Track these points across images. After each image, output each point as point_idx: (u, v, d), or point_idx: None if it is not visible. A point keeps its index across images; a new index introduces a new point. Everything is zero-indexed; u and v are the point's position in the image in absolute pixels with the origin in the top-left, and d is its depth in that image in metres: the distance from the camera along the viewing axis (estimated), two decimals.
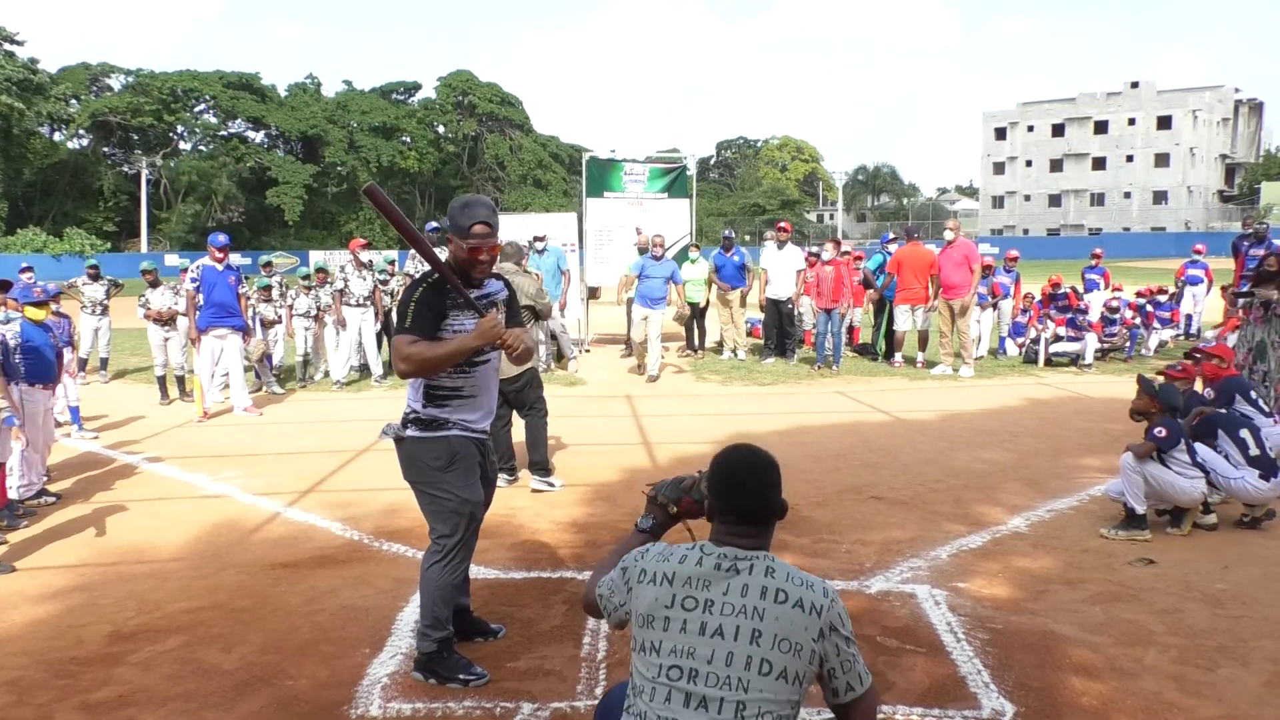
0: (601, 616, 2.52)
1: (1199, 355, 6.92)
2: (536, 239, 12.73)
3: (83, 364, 12.78)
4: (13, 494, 6.35)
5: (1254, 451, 5.64)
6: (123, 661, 4.06)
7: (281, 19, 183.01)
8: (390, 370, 12.09)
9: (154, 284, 11.33)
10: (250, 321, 11.33)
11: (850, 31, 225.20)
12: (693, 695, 2.16)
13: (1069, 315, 12.85)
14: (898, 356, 12.68)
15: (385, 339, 12.46)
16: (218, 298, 9.74)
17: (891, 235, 14.39)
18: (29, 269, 11.79)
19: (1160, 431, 5.45)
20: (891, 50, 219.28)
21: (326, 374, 12.00)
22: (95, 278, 12.67)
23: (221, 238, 10.00)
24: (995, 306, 13.79)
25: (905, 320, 12.65)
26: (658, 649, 2.23)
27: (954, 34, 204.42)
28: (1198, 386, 6.88)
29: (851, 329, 13.95)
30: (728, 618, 2.21)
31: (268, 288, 11.88)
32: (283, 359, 12.08)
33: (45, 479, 7.25)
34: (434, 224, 14.24)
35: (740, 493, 2.38)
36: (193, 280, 9.91)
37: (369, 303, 11.71)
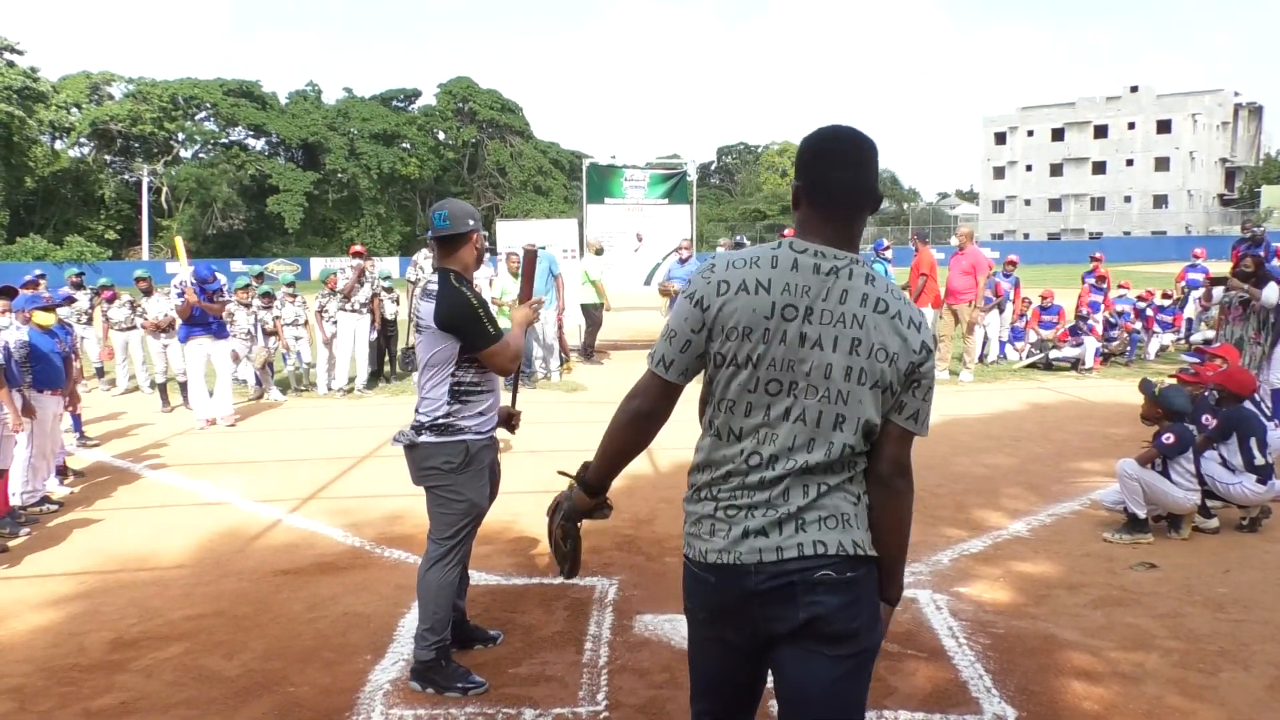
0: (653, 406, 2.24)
1: (1201, 356, 6.90)
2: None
3: (100, 373, 12.85)
4: (15, 500, 6.37)
5: (1259, 461, 5.63)
6: (125, 669, 4.06)
7: (282, 28, 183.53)
8: (375, 380, 12.16)
9: (148, 292, 11.30)
10: (252, 328, 11.36)
11: (849, 37, 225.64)
12: (791, 409, 2.06)
13: (1072, 325, 12.91)
14: None
15: (386, 348, 12.49)
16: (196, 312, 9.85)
17: (886, 243, 14.38)
18: (43, 276, 11.77)
19: (1168, 438, 5.44)
20: (890, 55, 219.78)
21: (333, 384, 11.96)
22: (78, 286, 12.66)
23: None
24: (1000, 309, 13.74)
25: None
26: (754, 362, 2.07)
27: (951, 40, 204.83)
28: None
29: None
30: (827, 327, 2.04)
31: (267, 295, 11.87)
32: (297, 366, 12.04)
33: (65, 481, 7.30)
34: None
35: (837, 162, 2.09)
36: (179, 294, 9.93)
37: (366, 309, 11.71)
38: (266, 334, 11.65)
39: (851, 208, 2.11)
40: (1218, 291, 8.83)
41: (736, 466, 2.09)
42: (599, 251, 14.02)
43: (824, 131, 2.15)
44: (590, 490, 2.44)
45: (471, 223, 3.79)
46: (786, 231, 13.74)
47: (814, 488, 2.06)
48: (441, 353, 3.69)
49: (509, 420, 4.10)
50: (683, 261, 12.73)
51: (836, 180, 2.10)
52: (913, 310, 2.12)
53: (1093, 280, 13.97)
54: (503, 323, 11.75)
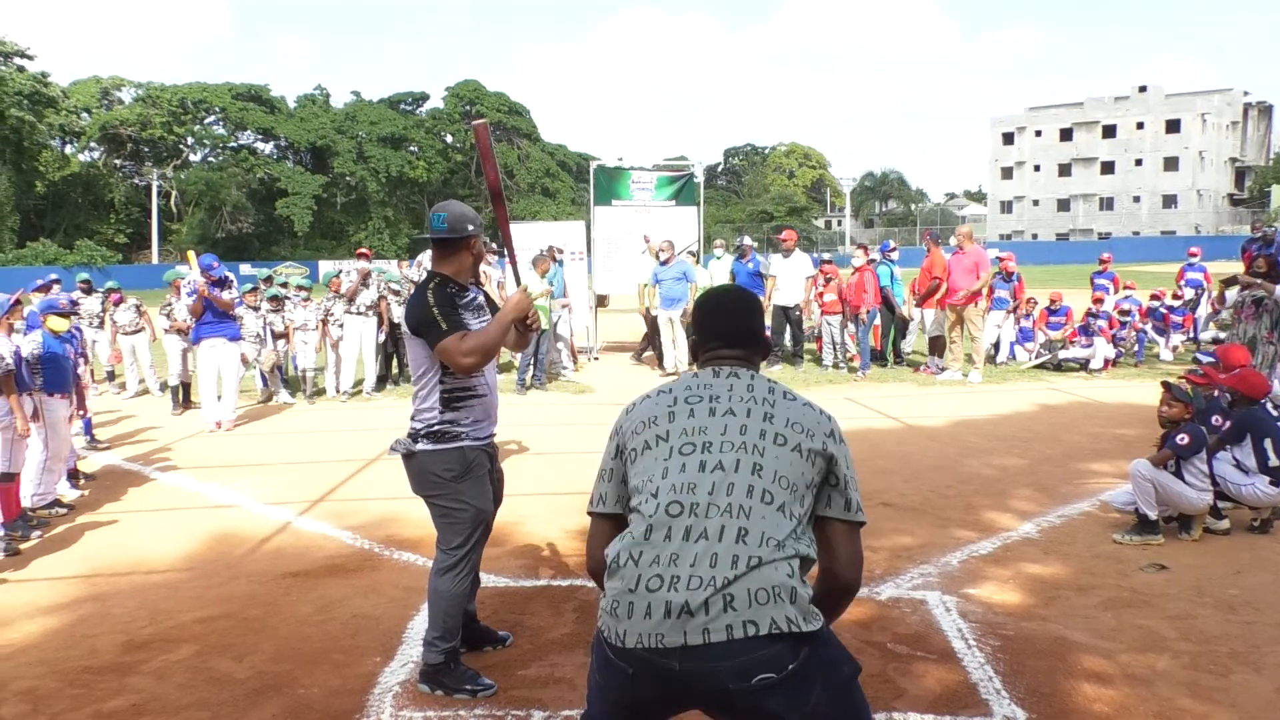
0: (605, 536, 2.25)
1: (1209, 359, 6.88)
2: (558, 250, 12.89)
3: (111, 376, 12.91)
4: (26, 503, 6.39)
5: (1274, 462, 5.59)
6: (136, 671, 4.08)
7: (290, 31, 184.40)
8: (382, 384, 12.14)
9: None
10: (261, 331, 11.39)
11: (854, 40, 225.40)
12: (707, 461, 2.09)
13: (1082, 324, 12.85)
14: (935, 361, 12.63)
15: (394, 351, 12.50)
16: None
17: (892, 244, 14.35)
18: (58, 280, 11.84)
19: (1183, 439, 5.42)
20: (897, 58, 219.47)
21: (340, 386, 11.98)
22: (88, 291, 12.74)
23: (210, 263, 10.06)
24: (1016, 310, 13.61)
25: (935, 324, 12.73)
26: (665, 437, 2.16)
27: (954, 42, 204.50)
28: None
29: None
30: (737, 404, 2.18)
31: (275, 298, 11.88)
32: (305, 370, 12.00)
33: (75, 486, 7.32)
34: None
35: (720, 314, 2.41)
36: (189, 294, 9.95)
37: (373, 312, 11.73)
38: (275, 337, 11.68)
39: (741, 346, 2.37)
40: (1230, 295, 8.79)
41: (658, 518, 2.04)
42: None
43: (709, 291, 2.57)
44: None
45: (471, 227, 3.71)
46: (784, 234, 13.78)
47: (744, 559, 1.96)
48: (425, 360, 3.67)
49: (525, 322, 3.75)
50: (665, 264, 12.71)
51: (723, 326, 2.39)
52: (819, 406, 2.27)
53: (1095, 306, 13.77)
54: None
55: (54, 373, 6.65)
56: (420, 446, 3.70)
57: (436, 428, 3.69)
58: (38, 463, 6.49)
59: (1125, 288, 14.77)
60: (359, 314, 11.60)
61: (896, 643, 4.17)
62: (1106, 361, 12.57)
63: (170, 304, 11.22)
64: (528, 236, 14.69)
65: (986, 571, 5.08)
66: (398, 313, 12.10)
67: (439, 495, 3.73)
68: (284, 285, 12.77)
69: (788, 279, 12.99)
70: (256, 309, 11.41)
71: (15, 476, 6.18)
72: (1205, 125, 72.61)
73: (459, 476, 3.69)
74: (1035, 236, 75.39)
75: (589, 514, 2.33)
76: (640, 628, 1.96)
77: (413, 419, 3.76)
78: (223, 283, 10.01)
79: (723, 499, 2.02)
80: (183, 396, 11.19)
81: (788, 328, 13.30)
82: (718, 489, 2.04)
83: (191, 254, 10.69)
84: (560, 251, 13.02)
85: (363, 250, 13.04)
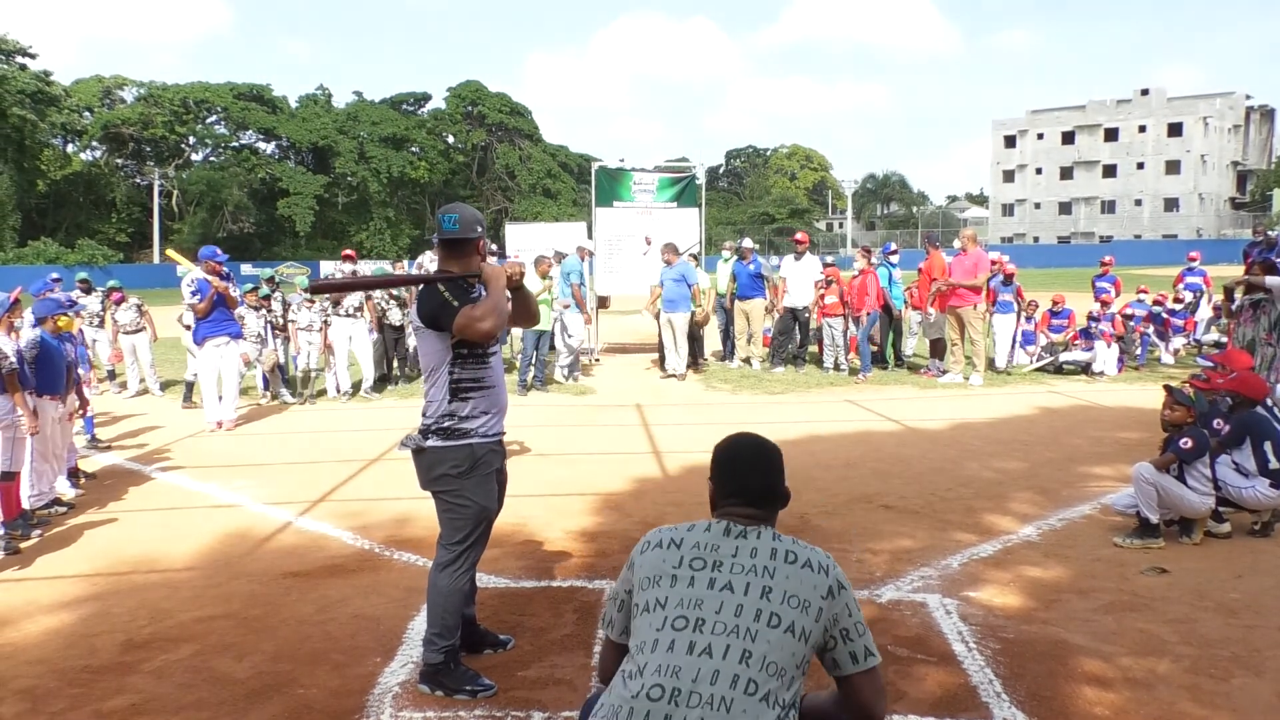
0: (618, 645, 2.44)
1: (1212, 363, 6.86)
2: (588, 250, 12.88)
3: (111, 375, 12.89)
4: (25, 504, 6.39)
5: (1274, 465, 5.59)
6: (136, 670, 4.08)
7: (292, 31, 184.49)
8: (382, 385, 12.14)
9: None
10: (263, 331, 11.39)
11: (856, 43, 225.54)
12: (696, 643, 2.13)
13: (1084, 328, 12.83)
14: (936, 363, 12.63)
15: (386, 350, 12.49)
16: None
17: (893, 246, 14.35)
18: (58, 279, 11.84)
19: (1186, 443, 5.42)
20: (899, 60, 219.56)
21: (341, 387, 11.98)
22: (88, 290, 12.73)
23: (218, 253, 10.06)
24: (1022, 313, 13.54)
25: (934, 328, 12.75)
26: (663, 604, 2.22)
27: (955, 45, 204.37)
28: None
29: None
30: (737, 575, 2.22)
31: (267, 297, 11.86)
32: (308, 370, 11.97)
33: (75, 485, 7.30)
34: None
35: (745, 474, 2.42)
36: (194, 293, 9.90)
37: (359, 313, 11.74)
38: (275, 335, 11.66)
39: (762, 506, 2.40)
40: (1235, 304, 8.84)
41: (639, 704, 2.10)
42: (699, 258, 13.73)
43: (733, 442, 2.49)
44: None
45: (479, 229, 3.82)
46: (798, 236, 13.83)
47: None
48: (437, 353, 3.72)
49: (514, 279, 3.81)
50: (669, 264, 12.75)
51: (747, 487, 2.40)
52: (820, 556, 2.29)
53: (1101, 310, 13.75)
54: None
55: (47, 374, 6.63)
56: (430, 443, 3.73)
57: (446, 424, 3.72)
58: (28, 464, 6.47)
59: (1139, 291, 14.76)
60: (347, 316, 11.62)
61: (897, 645, 4.16)
62: (1120, 366, 12.57)
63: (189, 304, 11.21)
64: (530, 237, 14.70)
65: (987, 574, 5.08)
66: (395, 315, 12.10)
67: (445, 490, 3.76)
68: (277, 286, 12.78)
69: (798, 281, 13.03)
70: (258, 309, 11.43)
71: (15, 475, 6.18)
72: (1207, 129, 72.65)
73: (466, 473, 3.72)
74: (1037, 239, 75.42)
75: (603, 633, 2.49)
76: None
77: (424, 414, 3.80)
78: (225, 277, 10.01)
79: (705, 688, 2.07)
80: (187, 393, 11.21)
81: (795, 328, 13.34)
82: (702, 677, 2.09)
83: (171, 252, 10.64)
84: (590, 253, 13.10)
85: (347, 252, 13.04)
